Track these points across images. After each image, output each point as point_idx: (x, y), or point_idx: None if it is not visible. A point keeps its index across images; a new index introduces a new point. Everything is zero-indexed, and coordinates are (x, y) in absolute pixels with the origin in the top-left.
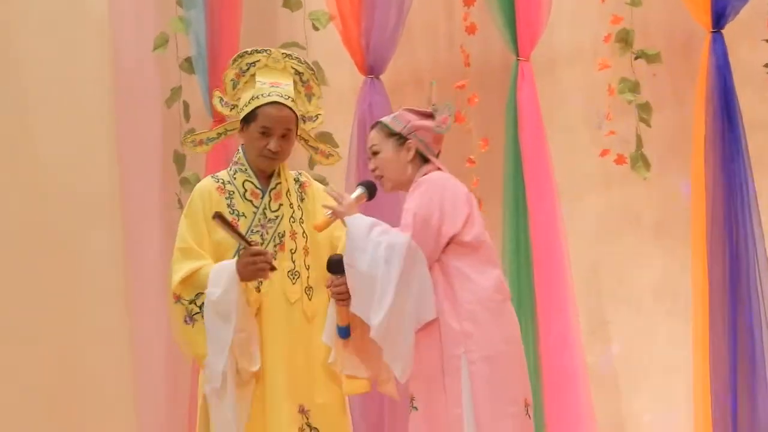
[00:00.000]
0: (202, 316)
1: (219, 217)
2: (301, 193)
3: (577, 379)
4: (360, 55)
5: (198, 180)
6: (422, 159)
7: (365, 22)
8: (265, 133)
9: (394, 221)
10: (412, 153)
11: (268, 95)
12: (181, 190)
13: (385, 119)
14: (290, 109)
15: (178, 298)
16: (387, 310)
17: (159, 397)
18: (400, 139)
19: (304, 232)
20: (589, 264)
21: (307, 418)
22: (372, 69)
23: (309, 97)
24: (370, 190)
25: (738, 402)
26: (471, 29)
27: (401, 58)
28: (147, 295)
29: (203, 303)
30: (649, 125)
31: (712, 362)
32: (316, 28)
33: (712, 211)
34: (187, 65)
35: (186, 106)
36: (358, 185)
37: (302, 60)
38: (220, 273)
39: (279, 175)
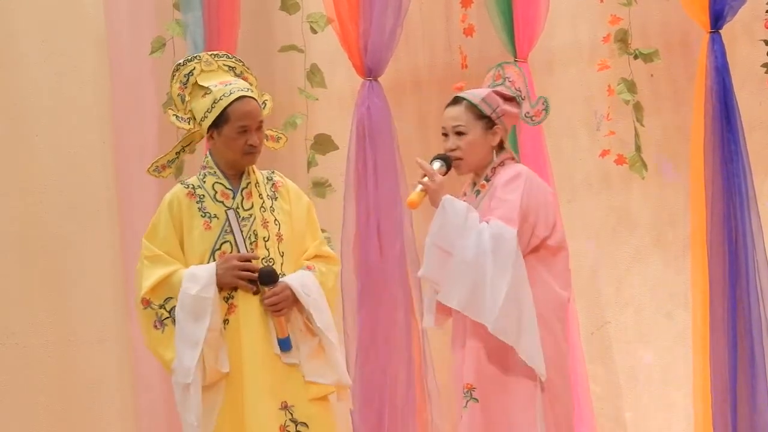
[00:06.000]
0: (172, 321)
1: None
2: (273, 191)
3: (577, 380)
4: (358, 57)
5: None
6: (500, 145)
7: (363, 24)
8: (244, 129)
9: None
10: (498, 138)
11: (231, 93)
12: None
13: (473, 98)
14: (254, 99)
15: (147, 304)
16: (503, 304)
17: (158, 398)
18: (489, 122)
19: (276, 220)
20: (588, 265)
21: (292, 414)
22: (370, 71)
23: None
24: (449, 163)
25: (738, 403)
26: (469, 31)
27: (399, 60)
28: None
29: (173, 308)
30: (642, 124)
31: (711, 363)
32: (314, 31)
33: (711, 211)
34: None
35: None
36: (434, 158)
37: (230, 55)
38: (199, 271)
39: (249, 174)
